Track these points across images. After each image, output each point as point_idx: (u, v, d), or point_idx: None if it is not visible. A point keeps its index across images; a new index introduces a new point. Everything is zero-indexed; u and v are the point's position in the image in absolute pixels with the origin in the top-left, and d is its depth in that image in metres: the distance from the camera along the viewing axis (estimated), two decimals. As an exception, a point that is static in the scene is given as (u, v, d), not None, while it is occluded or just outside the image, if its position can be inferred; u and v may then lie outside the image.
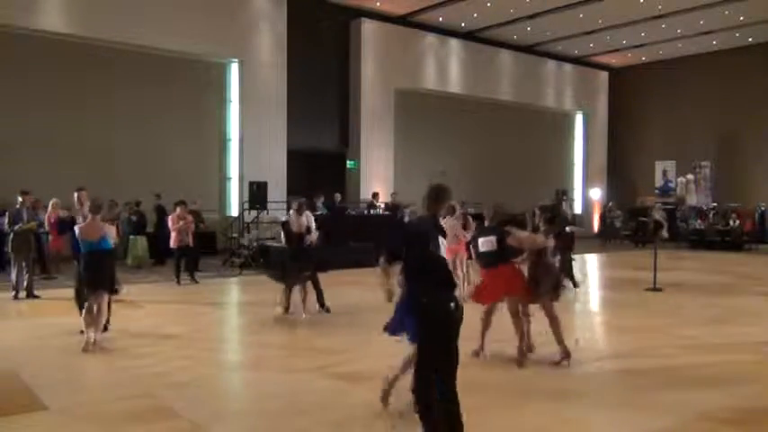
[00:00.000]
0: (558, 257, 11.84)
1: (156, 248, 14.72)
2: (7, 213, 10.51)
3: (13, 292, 9.99)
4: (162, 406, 4.98)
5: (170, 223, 11.93)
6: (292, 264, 8.48)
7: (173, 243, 11.87)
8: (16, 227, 10.06)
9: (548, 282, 6.29)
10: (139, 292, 10.57)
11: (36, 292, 10.07)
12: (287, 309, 8.65)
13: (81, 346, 6.66)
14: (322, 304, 8.89)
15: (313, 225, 8.80)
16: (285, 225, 8.67)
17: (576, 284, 11.35)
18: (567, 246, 11.41)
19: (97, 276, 6.85)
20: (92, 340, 6.68)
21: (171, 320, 8.53)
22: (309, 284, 8.71)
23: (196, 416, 4.75)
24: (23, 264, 10.00)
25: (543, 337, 6.36)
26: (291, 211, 8.80)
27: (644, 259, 14.99)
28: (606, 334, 8.55)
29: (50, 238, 12.05)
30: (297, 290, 8.59)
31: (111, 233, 7.06)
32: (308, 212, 8.83)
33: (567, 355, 6.22)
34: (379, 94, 21.28)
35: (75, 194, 7.73)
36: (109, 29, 15.96)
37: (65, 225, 7.07)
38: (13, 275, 10.07)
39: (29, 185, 11.03)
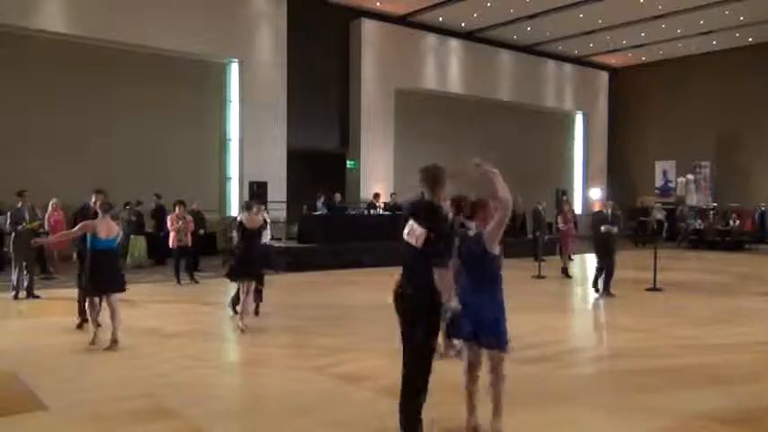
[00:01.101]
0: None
1: (155, 249, 14.72)
2: (9, 214, 10.51)
3: (14, 292, 9.99)
4: (162, 406, 4.97)
5: (169, 223, 11.93)
6: (247, 261, 8.18)
7: (171, 243, 11.88)
8: (19, 227, 10.07)
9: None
10: (139, 292, 10.56)
11: (36, 292, 10.07)
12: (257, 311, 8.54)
13: (88, 342, 6.75)
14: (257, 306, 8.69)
15: (268, 221, 8.63)
16: (240, 224, 8.48)
17: (597, 289, 11.07)
18: (605, 248, 11.00)
19: (112, 275, 6.94)
20: (112, 339, 6.76)
21: (171, 320, 8.53)
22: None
23: (196, 416, 4.75)
24: (24, 264, 10.01)
25: (539, 337, 6.34)
26: (245, 210, 8.56)
27: (644, 259, 14.99)
28: (606, 334, 8.55)
29: (50, 238, 12.01)
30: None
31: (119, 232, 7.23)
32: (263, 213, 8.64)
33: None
34: (379, 94, 21.28)
35: (93, 197, 7.81)
36: (109, 29, 15.98)
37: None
38: (14, 275, 10.08)
39: (29, 185, 11.05)
